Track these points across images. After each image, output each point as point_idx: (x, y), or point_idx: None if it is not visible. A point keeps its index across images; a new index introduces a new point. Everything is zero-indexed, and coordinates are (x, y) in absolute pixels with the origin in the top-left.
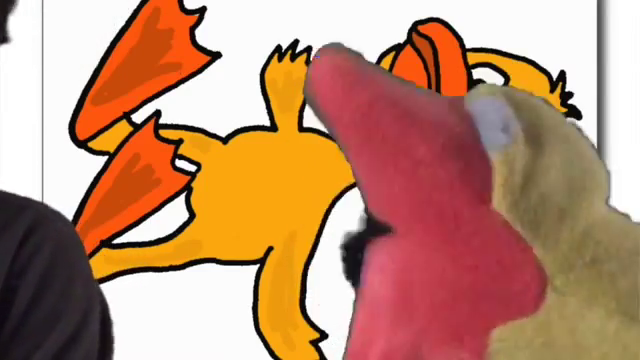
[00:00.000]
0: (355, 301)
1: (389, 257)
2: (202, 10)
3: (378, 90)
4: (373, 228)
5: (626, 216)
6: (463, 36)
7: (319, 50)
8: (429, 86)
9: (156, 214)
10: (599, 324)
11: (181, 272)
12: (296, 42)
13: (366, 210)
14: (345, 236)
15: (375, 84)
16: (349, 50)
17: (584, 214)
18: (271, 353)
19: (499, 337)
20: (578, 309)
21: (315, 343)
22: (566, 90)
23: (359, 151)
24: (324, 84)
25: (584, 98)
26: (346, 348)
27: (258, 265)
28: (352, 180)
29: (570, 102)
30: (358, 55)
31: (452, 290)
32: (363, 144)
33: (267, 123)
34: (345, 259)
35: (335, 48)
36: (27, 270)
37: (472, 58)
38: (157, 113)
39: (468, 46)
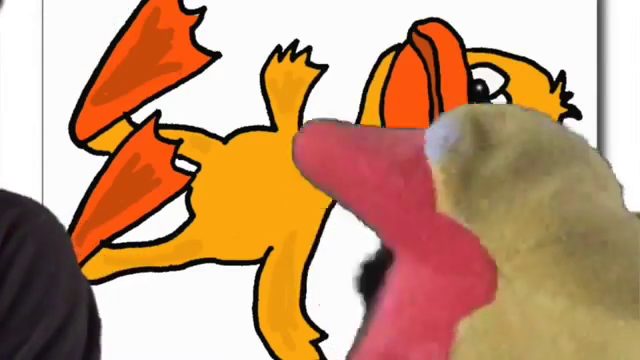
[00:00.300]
0: (367, 311)
1: (394, 278)
2: (202, 10)
3: (334, 136)
4: (386, 253)
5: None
6: (463, 36)
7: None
8: (429, 86)
9: (156, 214)
10: (546, 307)
11: (181, 272)
12: (296, 42)
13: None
14: (365, 256)
15: (334, 133)
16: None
17: (532, 198)
18: (271, 353)
19: (464, 327)
20: (526, 293)
21: (315, 343)
22: (566, 90)
23: (336, 194)
24: (301, 151)
25: (584, 98)
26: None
27: (258, 265)
28: None
29: (570, 102)
30: (337, 122)
31: (426, 293)
32: (332, 188)
33: (267, 123)
34: (361, 277)
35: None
36: (11, 266)
37: (472, 58)
38: (157, 113)
39: (468, 46)
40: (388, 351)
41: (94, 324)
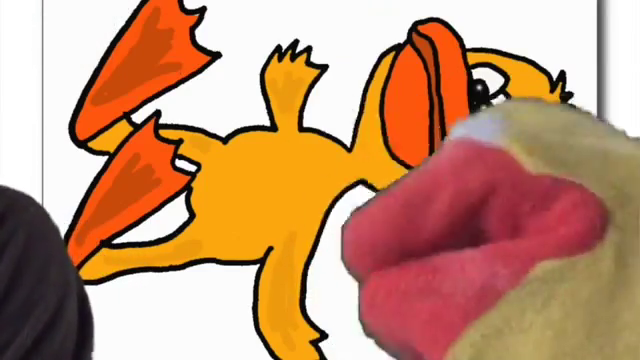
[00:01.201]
0: None
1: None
2: (202, 10)
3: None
4: None
5: None
6: (463, 36)
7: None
8: (429, 86)
9: (156, 214)
10: None
11: (181, 272)
12: (296, 42)
13: None
14: None
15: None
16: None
17: (619, 151)
18: (271, 353)
19: (547, 267)
20: (636, 244)
21: (315, 343)
22: (566, 90)
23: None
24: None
25: (584, 98)
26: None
27: (258, 265)
28: (352, 180)
29: (570, 102)
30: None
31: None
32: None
33: (267, 123)
34: None
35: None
36: (0, 260)
37: (472, 58)
38: (157, 113)
39: (468, 46)
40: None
41: (85, 313)
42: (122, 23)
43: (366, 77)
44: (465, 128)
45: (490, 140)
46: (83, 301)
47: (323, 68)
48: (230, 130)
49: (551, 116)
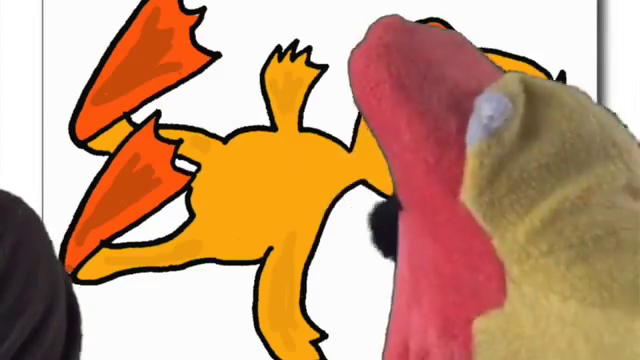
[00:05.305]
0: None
1: (402, 235)
2: (202, 10)
3: (393, 68)
4: (397, 201)
5: None
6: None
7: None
8: None
9: (156, 214)
10: (557, 311)
11: (181, 272)
12: (296, 42)
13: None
14: (375, 205)
15: (396, 63)
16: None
17: (555, 198)
18: (271, 353)
19: (481, 328)
20: (535, 297)
21: (315, 343)
22: None
23: (373, 132)
24: (358, 57)
25: None
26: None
27: (258, 265)
28: (352, 180)
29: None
30: (413, 29)
31: (440, 278)
32: (370, 124)
33: (267, 123)
34: (374, 227)
35: (389, 22)
36: None
37: None
38: (157, 113)
39: None
40: (407, 349)
41: (73, 314)
42: (122, 23)
43: None
44: (480, 97)
45: (473, 133)
46: (71, 303)
47: (323, 68)
48: (230, 130)
49: None
